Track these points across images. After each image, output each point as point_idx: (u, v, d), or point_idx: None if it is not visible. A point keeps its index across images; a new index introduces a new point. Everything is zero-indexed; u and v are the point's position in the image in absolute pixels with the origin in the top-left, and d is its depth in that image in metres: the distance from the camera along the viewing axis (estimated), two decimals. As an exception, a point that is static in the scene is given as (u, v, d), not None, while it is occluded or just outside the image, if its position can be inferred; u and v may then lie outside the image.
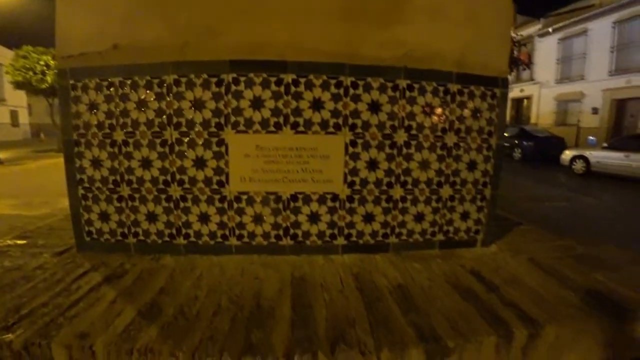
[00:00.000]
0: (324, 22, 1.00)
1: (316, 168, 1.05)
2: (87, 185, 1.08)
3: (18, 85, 9.50)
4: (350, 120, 1.04)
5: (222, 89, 0.99)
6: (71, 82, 1.02)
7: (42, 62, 9.27)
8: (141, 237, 1.09)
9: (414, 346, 0.68)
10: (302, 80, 1.00)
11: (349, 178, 1.08)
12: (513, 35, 16.80)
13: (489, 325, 0.76)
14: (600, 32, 13.87)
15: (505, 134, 12.16)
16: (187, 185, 1.05)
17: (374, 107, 1.04)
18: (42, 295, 0.85)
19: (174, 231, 1.08)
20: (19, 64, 9.22)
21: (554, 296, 0.92)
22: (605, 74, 13.78)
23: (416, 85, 1.06)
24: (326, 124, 1.03)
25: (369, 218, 1.12)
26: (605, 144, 10.05)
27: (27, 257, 1.10)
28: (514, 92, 16.94)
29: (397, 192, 1.11)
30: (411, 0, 1.03)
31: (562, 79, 15.30)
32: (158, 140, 1.03)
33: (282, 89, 1.00)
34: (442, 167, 1.13)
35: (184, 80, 0.99)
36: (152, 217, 1.08)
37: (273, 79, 0.99)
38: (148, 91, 1.00)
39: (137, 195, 1.07)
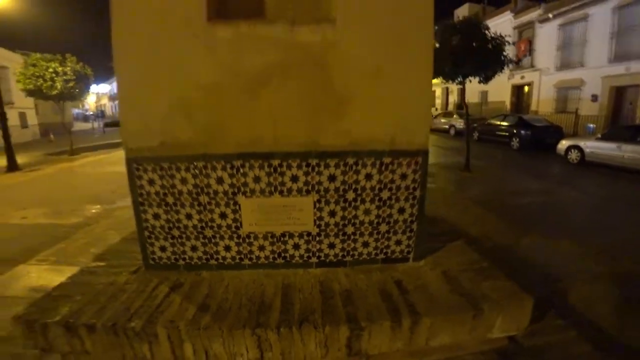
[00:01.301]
0: (296, 123, 1.60)
1: (296, 217, 1.68)
2: (150, 230, 1.73)
3: (29, 92, 10.11)
4: (316, 187, 1.66)
5: (234, 171, 1.62)
6: (134, 165, 1.65)
7: (50, 70, 9.81)
8: (187, 260, 1.75)
9: (343, 324, 1.33)
10: (284, 163, 1.62)
11: (317, 222, 1.71)
12: (514, 22, 16.86)
13: (390, 315, 1.40)
14: (600, 17, 13.97)
15: (505, 123, 12.60)
16: (216, 229, 1.70)
17: (332, 177, 1.66)
18: (137, 300, 1.52)
19: (209, 256, 1.74)
20: (29, 72, 9.76)
21: (442, 298, 1.55)
22: (605, 61, 13.98)
23: (360, 162, 1.67)
24: (301, 190, 1.65)
25: (331, 246, 1.76)
26: (599, 135, 10.42)
27: (113, 275, 1.76)
28: (515, 79, 17.19)
29: (349, 229, 1.75)
30: (353, 101, 1.61)
31: (562, 66, 15.49)
32: (196, 202, 1.66)
33: (271, 169, 1.62)
34: (380, 212, 1.75)
35: (209, 165, 1.61)
36: (194, 248, 1.73)
37: (266, 163, 1.61)
38: (186, 172, 1.63)
39: (183, 235, 1.72)
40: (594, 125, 14.00)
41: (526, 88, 17.37)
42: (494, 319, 1.45)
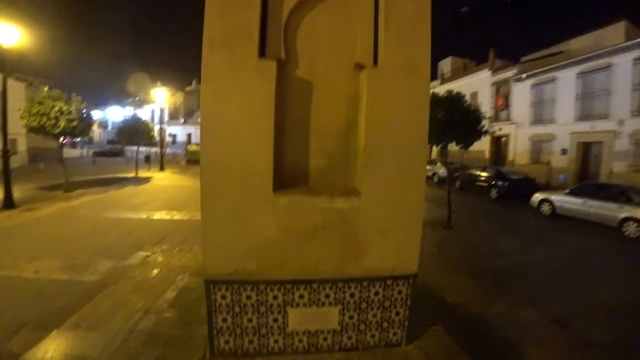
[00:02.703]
0: (330, 260, 2.42)
1: (326, 320, 2.47)
2: (218, 329, 2.45)
3: (32, 130, 10.56)
4: (342, 301, 2.46)
5: (286, 291, 2.40)
6: (211, 285, 2.40)
7: (56, 109, 10.31)
8: (244, 350, 2.48)
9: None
10: (321, 286, 2.42)
11: (341, 323, 2.50)
12: (492, 79, 18.90)
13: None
14: (567, 81, 15.98)
15: (484, 174, 13.93)
16: (269, 328, 2.45)
17: (352, 295, 2.47)
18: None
19: (261, 347, 2.48)
20: (34, 110, 10.21)
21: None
22: (572, 119, 15.82)
23: (371, 284, 2.49)
24: (331, 303, 2.45)
25: (349, 338, 2.54)
26: (567, 190, 11.81)
27: (188, 360, 2.45)
28: (494, 131, 19.01)
29: (362, 327, 2.54)
30: (368, 248, 2.46)
31: (535, 121, 17.36)
32: (256, 311, 2.42)
33: (312, 290, 2.41)
34: (383, 315, 2.56)
35: (268, 287, 2.39)
36: (251, 342, 2.46)
37: (309, 286, 2.41)
38: (251, 291, 2.39)
39: (244, 333, 2.45)
40: (566, 176, 15.59)
41: (503, 139, 19.15)
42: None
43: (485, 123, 8.47)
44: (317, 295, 2.42)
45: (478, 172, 14.54)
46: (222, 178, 2.26)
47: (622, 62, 13.99)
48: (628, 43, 13.84)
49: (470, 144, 8.42)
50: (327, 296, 2.44)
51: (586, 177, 15.23)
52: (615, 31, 15.72)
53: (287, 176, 2.48)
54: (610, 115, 14.50)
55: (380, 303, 2.53)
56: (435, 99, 7.89)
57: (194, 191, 12.78)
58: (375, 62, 2.47)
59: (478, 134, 8.28)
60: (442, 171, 16.63)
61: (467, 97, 10.79)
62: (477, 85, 20.84)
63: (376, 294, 2.51)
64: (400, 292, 2.55)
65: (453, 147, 8.08)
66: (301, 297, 2.41)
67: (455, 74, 24.16)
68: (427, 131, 2.51)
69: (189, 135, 37.63)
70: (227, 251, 2.32)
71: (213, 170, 2.25)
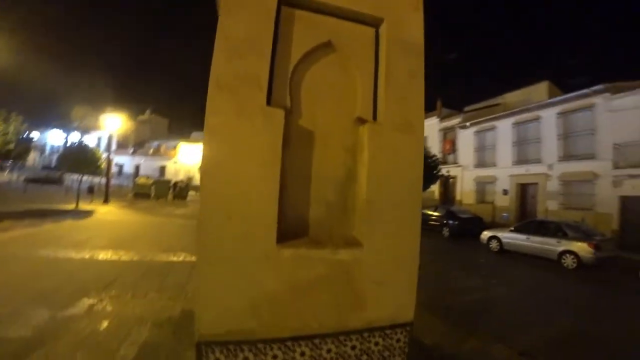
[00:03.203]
0: (332, 314, 2.34)
1: (326, 381, 2.34)
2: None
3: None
4: (342, 353, 2.36)
5: (287, 349, 2.25)
6: (204, 347, 2.15)
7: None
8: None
9: None
10: (322, 341, 2.31)
11: (341, 383, 2.38)
12: (440, 125, 20.92)
13: None
14: (505, 129, 18.17)
15: (437, 213, 14.82)
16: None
17: (353, 347, 2.39)
18: None
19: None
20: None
21: None
22: (511, 163, 17.81)
23: (371, 334, 2.43)
24: (332, 357, 2.34)
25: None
26: (512, 227, 12.96)
27: None
28: (442, 173, 20.72)
29: (362, 387, 2.44)
30: (368, 300, 2.43)
31: (479, 164, 19.30)
32: (252, 373, 2.22)
33: (314, 345, 2.29)
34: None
35: (267, 346, 2.22)
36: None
37: (310, 342, 2.28)
38: (248, 352, 2.20)
39: (237, 401, 2.21)
40: (508, 214, 17.14)
41: (451, 181, 20.89)
42: None
43: (440, 168, 9.24)
44: (318, 352, 2.30)
45: (431, 212, 15.46)
46: (223, 228, 2.13)
47: (548, 116, 16.40)
48: (551, 100, 16.36)
49: (428, 187, 9.05)
50: (328, 351, 2.33)
51: (525, 215, 16.95)
52: (541, 89, 18.56)
53: (288, 226, 2.43)
54: (542, 160, 16.62)
55: (380, 353, 2.48)
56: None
57: (144, 228, 11.86)
58: (375, 117, 2.61)
59: (435, 177, 8.96)
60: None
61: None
62: (426, 131, 22.77)
63: (376, 344, 2.46)
64: (398, 340, 2.53)
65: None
66: (302, 354, 2.27)
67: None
68: (421, 184, 2.66)
69: (137, 167, 35.34)
70: (224, 308, 2.14)
71: (213, 219, 2.12)
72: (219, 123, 2.15)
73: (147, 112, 41.64)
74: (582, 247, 10.02)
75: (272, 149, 2.23)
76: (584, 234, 10.59)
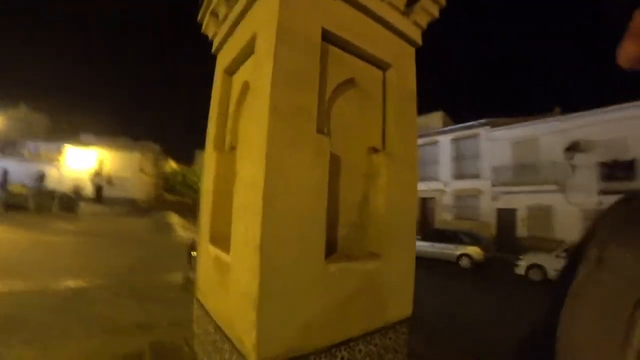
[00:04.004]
0: (366, 317, 2.69)
1: (357, 379, 2.65)
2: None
3: None
4: (369, 351, 2.72)
5: (332, 357, 2.48)
6: None
7: None
8: None
9: None
10: (354, 343, 2.62)
11: (368, 379, 2.72)
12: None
13: None
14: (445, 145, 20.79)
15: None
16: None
17: (376, 344, 2.77)
18: None
19: None
20: None
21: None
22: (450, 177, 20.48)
23: (389, 329, 2.86)
24: (363, 357, 2.67)
25: (372, 394, 2.77)
26: (418, 236, 15.05)
27: None
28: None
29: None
30: (390, 302, 2.87)
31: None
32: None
33: (349, 349, 2.59)
34: (393, 358, 2.93)
35: (318, 357, 2.40)
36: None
37: (346, 346, 2.57)
38: None
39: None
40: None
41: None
42: None
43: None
44: (353, 353, 2.61)
45: None
46: (281, 253, 2.22)
47: (444, 141, 19.77)
48: (447, 128, 19.83)
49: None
50: (360, 351, 2.66)
51: (427, 225, 19.83)
52: (436, 117, 22.25)
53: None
54: (439, 178, 19.82)
55: (393, 347, 2.92)
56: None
57: (35, 248, 9.84)
58: (384, 146, 3.12)
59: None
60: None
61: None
62: None
63: (390, 339, 2.90)
64: (403, 333, 3.03)
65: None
66: (342, 358, 2.54)
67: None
68: (416, 206, 3.26)
69: (5, 173, 28.09)
70: (283, 329, 2.22)
71: (274, 245, 2.18)
72: (276, 152, 2.25)
73: (21, 106, 33.80)
74: (474, 250, 12.50)
75: (321, 174, 2.50)
76: (475, 240, 13.21)
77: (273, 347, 2.17)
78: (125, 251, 10.84)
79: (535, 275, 10.73)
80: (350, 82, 3.00)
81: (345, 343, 2.58)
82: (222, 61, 3.67)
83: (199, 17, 4.04)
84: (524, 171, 17.06)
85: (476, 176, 18.76)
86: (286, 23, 2.34)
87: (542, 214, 16.00)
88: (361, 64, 3.07)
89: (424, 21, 3.55)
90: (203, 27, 4.07)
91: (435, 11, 3.58)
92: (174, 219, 20.04)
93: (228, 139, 3.42)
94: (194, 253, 7.74)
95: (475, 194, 18.70)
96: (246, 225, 2.27)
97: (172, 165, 41.94)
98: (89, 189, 30.36)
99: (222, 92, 3.55)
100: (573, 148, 14.84)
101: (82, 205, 24.46)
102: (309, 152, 2.45)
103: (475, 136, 19.00)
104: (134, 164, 31.00)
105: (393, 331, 2.94)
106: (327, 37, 2.68)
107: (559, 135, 15.57)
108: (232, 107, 3.43)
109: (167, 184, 32.18)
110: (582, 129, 14.84)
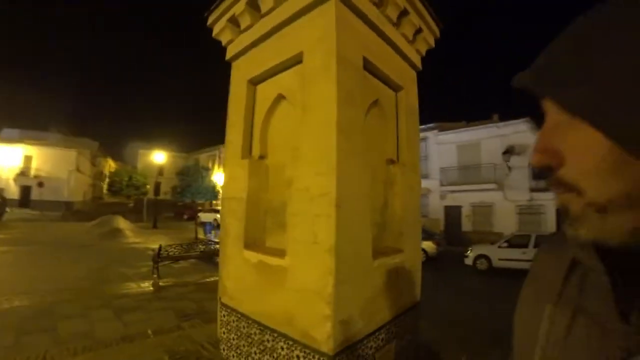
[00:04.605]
0: (390, 306, 3.08)
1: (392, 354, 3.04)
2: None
3: None
4: (395, 332, 3.13)
5: (377, 338, 2.83)
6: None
7: None
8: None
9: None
10: (389, 325, 3.01)
11: (396, 356, 3.13)
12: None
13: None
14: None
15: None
16: None
17: (397, 325, 3.19)
18: None
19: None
20: None
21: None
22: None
23: (406, 314, 3.31)
24: (391, 337, 3.07)
25: None
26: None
27: None
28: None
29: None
30: (406, 288, 3.31)
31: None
32: None
33: (388, 331, 2.97)
34: (411, 339, 3.39)
35: (370, 339, 2.75)
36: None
37: (386, 329, 2.95)
38: (368, 350, 2.68)
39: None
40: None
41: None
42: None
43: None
44: (388, 334, 3.02)
45: None
46: (347, 253, 2.50)
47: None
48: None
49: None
50: (392, 332, 3.09)
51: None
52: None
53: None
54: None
55: (407, 329, 3.37)
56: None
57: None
58: (398, 158, 3.56)
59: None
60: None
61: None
62: None
63: (407, 320, 3.38)
64: (415, 315, 3.54)
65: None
66: (382, 340, 2.93)
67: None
68: (419, 207, 3.78)
69: None
70: (348, 318, 2.50)
71: (343, 246, 2.45)
72: (342, 162, 2.54)
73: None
74: (429, 245, 13.64)
75: (368, 182, 2.86)
76: (428, 235, 14.42)
77: (342, 335, 2.46)
78: (75, 260, 9.54)
79: (482, 265, 12.13)
80: (376, 102, 3.39)
81: (384, 326, 2.96)
82: (245, 70, 3.71)
83: (209, 21, 4.02)
84: (468, 172, 19.06)
85: (426, 176, 20.46)
86: (342, 50, 2.66)
87: (484, 210, 18.08)
88: (382, 86, 3.49)
89: (423, 49, 4.10)
90: (215, 32, 4.01)
91: (431, 41, 4.16)
92: (122, 223, 18.27)
93: (257, 148, 3.55)
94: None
95: (425, 192, 20.43)
96: (313, 231, 2.52)
97: (111, 164, 37.91)
98: (13, 191, 26.03)
99: (248, 102, 3.63)
100: (509, 151, 16.87)
101: (7, 210, 20.96)
102: (361, 163, 2.78)
103: (424, 139, 20.75)
104: (70, 162, 27.31)
105: (410, 314, 3.40)
106: (365, 63, 3.02)
107: (497, 140, 17.64)
108: (260, 117, 3.55)
109: (112, 185, 28.94)
110: (517, 135, 16.93)
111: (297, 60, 3.03)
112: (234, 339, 3.30)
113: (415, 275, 3.58)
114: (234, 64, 3.96)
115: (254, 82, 3.66)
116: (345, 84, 2.65)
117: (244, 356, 3.13)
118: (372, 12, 3.11)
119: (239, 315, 3.23)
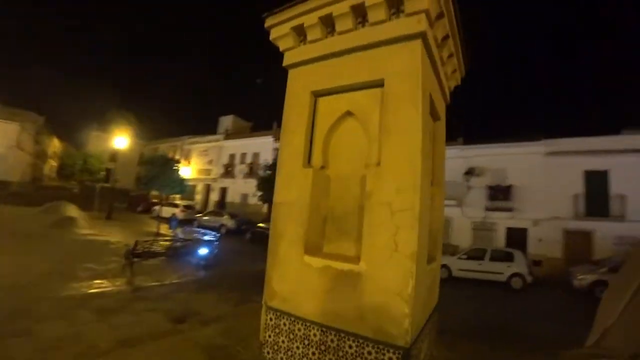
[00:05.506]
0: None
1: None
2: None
3: None
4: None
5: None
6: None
7: None
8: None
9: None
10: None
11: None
12: (274, 145, 24.00)
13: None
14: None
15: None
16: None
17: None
18: None
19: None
20: None
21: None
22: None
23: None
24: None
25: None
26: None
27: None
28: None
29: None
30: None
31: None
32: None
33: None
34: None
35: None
36: None
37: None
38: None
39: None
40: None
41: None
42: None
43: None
44: (428, 324, 3.54)
45: (265, 226, 15.76)
46: (421, 257, 2.92)
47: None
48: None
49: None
50: (431, 323, 3.50)
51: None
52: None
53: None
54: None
55: (436, 322, 3.86)
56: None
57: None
58: (433, 180, 4.03)
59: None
60: (230, 224, 18.70)
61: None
62: (260, 147, 25.27)
63: (435, 316, 3.81)
64: (438, 312, 3.99)
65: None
66: (427, 329, 3.32)
67: (240, 133, 28.39)
68: (444, 218, 4.28)
69: None
70: (418, 313, 2.90)
71: (419, 252, 2.90)
72: (422, 182, 2.95)
73: None
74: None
75: (429, 198, 3.24)
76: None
77: (415, 328, 2.86)
78: (30, 252, 8.02)
79: (443, 274, 13.04)
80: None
81: (429, 318, 3.37)
82: (307, 81, 3.77)
83: (267, 23, 3.93)
84: (431, 187, 20.59)
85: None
86: (424, 83, 3.11)
87: (444, 224, 19.37)
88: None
89: (453, 85, 4.72)
90: (274, 35, 3.95)
91: (459, 79, 4.76)
92: (74, 211, 16.26)
93: (319, 158, 3.59)
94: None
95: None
96: (395, 240, 2.83)
97: (56, 144, 33.55)
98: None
99: (310, 113, 3.74)
100: (470, 172, 18.26)
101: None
102: (428, 182, 3.18)
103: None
104: (10, 137, 23.49)
105: (436, 309, 3.87)
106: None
107: (460, 161, 18.64)
108: (322, 129, 3.67)
109: (62, 167, 25.46)
110: (478, 158, 18.29)
111: (374, 84, 3.32)
112: (283, 342, 3.23)
113: (438, 278, 4.06)
114: (293, 71, 3.90)
115: (317, 94, 3.77)
116: (425, 114, 3.04)
117: (297, 358, 3.12)
118: (436, 53, 3.54)
119: (294, 318, 3.20)
